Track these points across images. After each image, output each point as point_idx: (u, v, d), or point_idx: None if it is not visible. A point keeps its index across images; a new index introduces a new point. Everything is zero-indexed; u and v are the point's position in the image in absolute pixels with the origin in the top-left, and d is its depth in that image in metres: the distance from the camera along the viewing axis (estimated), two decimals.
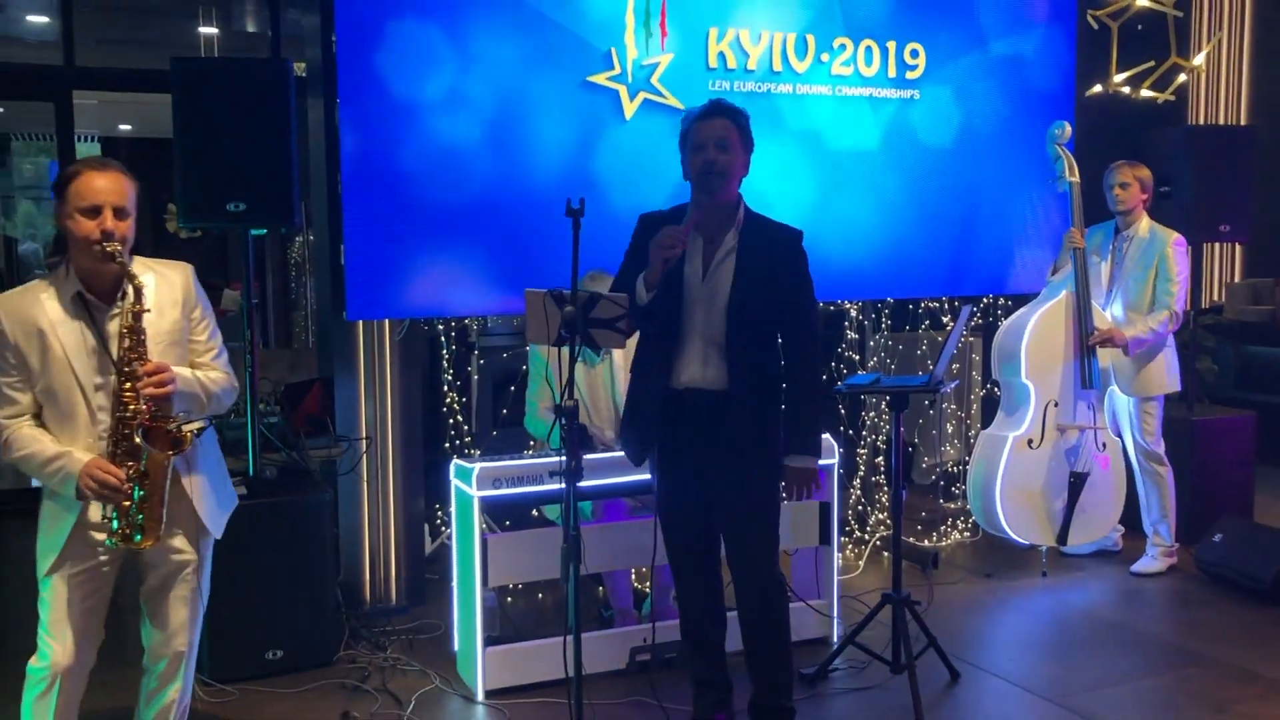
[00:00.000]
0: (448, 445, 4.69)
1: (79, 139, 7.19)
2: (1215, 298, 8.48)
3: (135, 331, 2.62)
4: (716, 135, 3.10)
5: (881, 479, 5.50)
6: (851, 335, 5.43)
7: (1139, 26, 6.88)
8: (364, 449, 4.46)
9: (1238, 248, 8.47)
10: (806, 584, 4.15)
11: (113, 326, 2.66)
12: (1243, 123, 8.26)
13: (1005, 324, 5.04)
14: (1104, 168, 4.95)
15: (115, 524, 2.61)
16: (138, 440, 2.58)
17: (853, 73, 4.93)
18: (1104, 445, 4.93)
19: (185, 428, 2.63)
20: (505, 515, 4.35)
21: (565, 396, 2.78)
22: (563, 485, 2.82)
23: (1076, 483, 4.84)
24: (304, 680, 3.82)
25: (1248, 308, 7.90)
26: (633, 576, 4.39)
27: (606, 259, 4.01)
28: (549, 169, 4.44)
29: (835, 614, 4.18)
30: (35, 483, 2.77)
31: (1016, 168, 5.35)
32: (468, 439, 4.79)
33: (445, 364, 4.70)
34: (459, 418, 4.75)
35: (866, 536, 5.31)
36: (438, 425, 4.79)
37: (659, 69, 4.56)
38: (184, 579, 2.82)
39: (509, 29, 4.33)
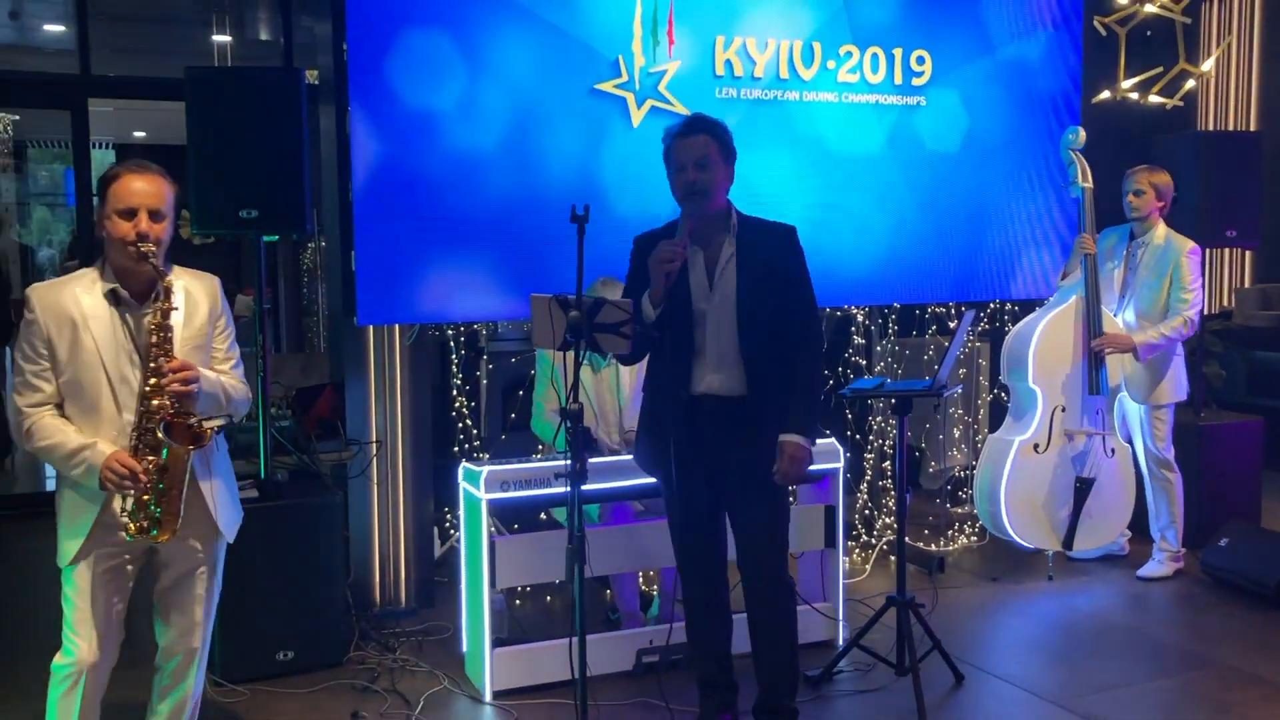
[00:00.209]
0: (457, 449, 4.73)
1: (94, 146, 7.28)
2: (1225, 303, 8.48)
3: (163, 329, 2.68)
4: (696, 155, 3.15)
5: (888, 483, 5.52)
6: (858, 340, 5.46)
7: (1148, 32, 6.91)
8: (374, 452, 4.51)
9: (1248, 253, 8.47)
10: (812, 587, 4.18)
11: (143, 325, 2.72)
12: (1253, 128, 8.26)
13: (1015, 329, 5.06)
14: (1111, 174, 4.97)
15: (134, 516, 2.66)
16: (160, 434, 2.63)
17: (859, 80, 4.96)
18: (1112, 451, 4.94)
19: (205, 424, 2.69)
20: (514, 518, 4.39)
21: (570, 400, 2.82)
22: (569, 488, 2.86)
23: (1083, 488, 4.85)
24: (314, 680, 3.86)
25: (1257, 313, 7.90)
26: (639, 579, 4.42)
27: (614, 265, 4.06)
28: (557, 176, 4.48)
29: (841, 617, 4.20)
30: (50, 486, 2.82)
31: (1023, 173, 5.38)
32: (477, 443, 4.83)
33: (455, 368, 4.74)
34: (468, 422, 4.79)
35: (873, 541, 5.33)
36: (447, 429, 4.83)
37: (666, 76, 4.61)
38: (197, 579, 2.87)
39: (518, 37, 4.38)
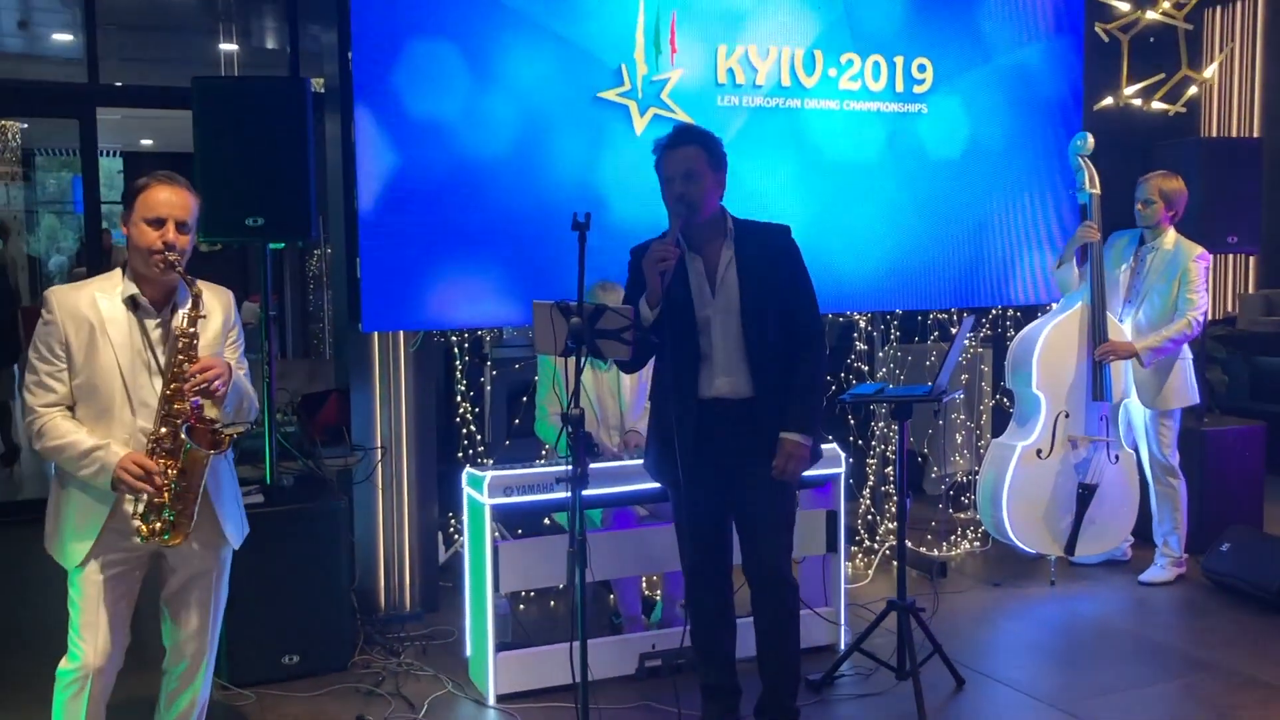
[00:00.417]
0: (461, 455, 4.76)
1: (101, 153, 7.33)
2: (1229, 309, 8.50)
3: (188, 335, 2.72)
4: (684, 167, 3.18)
5: (890, 488, 5.54)
6: (860, 346, 5.49)
7: (1150, 39, 6.92)
8: (379, 458, 4.54)
9: (1251, 259, 8.49)
10: (814, 592, 4.20)
11: (156, 334, 2.77)
12: (1256, 134, 8.29)
13: (1019, 334, 5.08)
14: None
15: (147, 519, 2.68)
16: (182, 437, 2.66)
17: (860, 87, 4.99)
18: (1117, 458, 4.95)
19: (225, 430, 2.73)
20: (518, 523, 4.42)
21: (572, 405, 2.86)
22: (571, 493, 2.89)
23: (1085, 494, 4.87)
24: (320, 684, 3.89)
25: (1261, 319, 7.91)
26: (642, 584, 4.45)
27: (616, 272, 4.09)
28: (561, 183, 4.51)
29: (843, 621, 4.22)
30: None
31: (1025, 180, 5.40)
32: (481, 448, 4.86)
33: (459, 374, 4.77)
34: (472, 427, 4.82)
35: (876, 546, 5.35)
36: (451, 435, 4.86)
37: (669, 85, 4.64)
38: (205, 584, 2.90)
39: (522, 46, 4.42)
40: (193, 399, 2.68)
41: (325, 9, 5.04)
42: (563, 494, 3.71)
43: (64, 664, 2.80)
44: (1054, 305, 5.32)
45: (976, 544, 5.54)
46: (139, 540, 2.71)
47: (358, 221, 4.25)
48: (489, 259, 4.43)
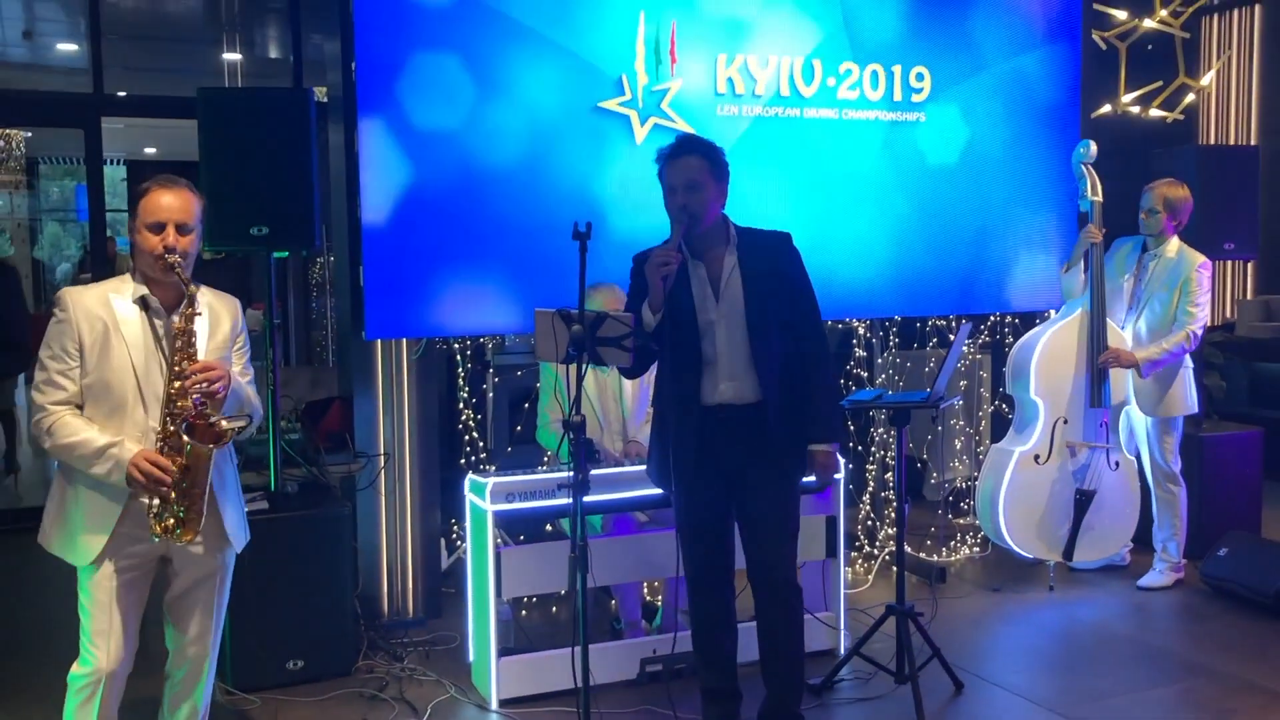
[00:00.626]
0: (463, 461, 4.79)
1: (105, 162, 7.37)
2: (1228, 315, 8.53)
3: (186, 334, 2.76)
4: (686, 178, 3.22)
5: (890, 494, 5.57)
6: (860, 353, 5.52)
7: (1148, 47, 6.97)
8: (382, 465, 4.58)
9: (1249, 265, 8.52)
10: (814, 597, 4.22)
11: (170, 331, 2.81)
12: (1253, 142, 8.33)
13: (1020, 340, 5.11)
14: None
15: (160, 517, 2.71)
16: (182, 435, 2.70)
17: (859, 96, 5.03)
18: (1117, 464, 4.98)
19: (225, 424, 2.76)
20: (520, 529, 4.45)
21: (573, 411, 2.89)
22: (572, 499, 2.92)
23: (1083, 500, 4.89)
24: (324, 689, 3.92)
25: (1259, 324, 7.94)
26: (643, 589, 4.48)
27: (616, 280, 4.14)
28: (562, 193, 4.55)
29: (843, 626, 4.25)
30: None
31: (1023, 188, 5.43)
32: (483, 455, 4.89)
33: (461, 382, 4.81)
34: (475, 434, 4.85)
35: (875, 551, 5.38)
36: (454, 442, 4.89)
37: (669, 94, 4.68)
38: (208, 587, 2.93)
39: (524, 57, 4.46)
40: (195, 397, 2.72)
41: (327, 19, 5.08)
42: (564, 500, 3.75)
43: (76, 669, 2.82)
44: (1052, 312, 5.35)
45: (976, 549, 5.56)
46: (154, 539, 2.74)
47: (361, 230, 4.29)
48: (491, 267, 4.47)
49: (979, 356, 6.01)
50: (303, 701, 3.85)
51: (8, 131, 10.50)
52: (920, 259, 5.21)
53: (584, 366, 2.98)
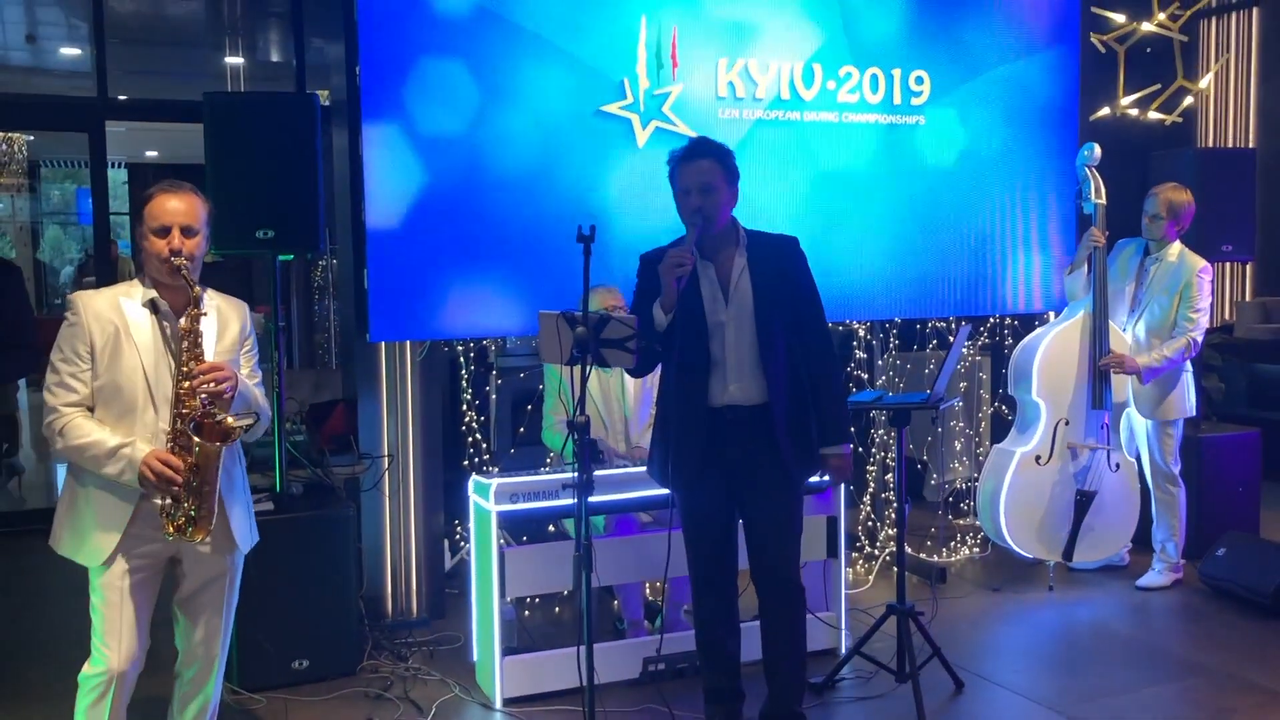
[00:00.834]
0: (467, 463, 4.82)
1: (109, 165, 7.40)
2: (1226, 316, 8.55)
3: (193, 334, 2.79)
4: (700, 180, 3.24)
5: (891, 495, 5.59)
6: (860, 355, 5.55)
7: (1146, 50, 7.00)
8: (386, 466, 4.60)
9: (1248, 267, 8.55)
10: (815, 597, 4.24)
11: (178, 332, 2.83)
12: (1251, 145, 8.35)
13: (1022, 341, 5.14)
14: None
15: (172, 516, 2.74)
16: (190, 434, 2.72)
17: (859, 100, 5.06)
18: (1117, 466, 5.01)
19: (232, 421, 2.79)
20: (523, 530, 4.48)
21: (577, 413, 2.92)
22: (576, 500, 2.95)
23: (1083, 501, 4.92)
24: (329, 689, 3.95)
25: (1258, 326, 7.97)
26: (646, 590, 4.50)
27: (619, 282, 4.18)
28: (565, 196, 4.58)
29: (844, 625, 4.28)
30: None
31: (1022, 190, 5.46)
32: (487, 456, 4.92)
33: (465, 384, 4.83)
34: (478, 436, 4.88)
35: (876, 552, 5.41)
36: (457, 443, 4.92)
37: (670, 98, 4.71)
38: (216, 588, 2.96)
39: (526, 60, 4.49)
40: (202, 397, 2.75)
41: (329, 23, 5.11)
42: (568, 501, 3.78)
43: (87, 669, 2.84)
44: (1051, 315, 5.38)
45: (976, 549, 5.59)
46: (167, 538, 2.76)
47: (365, 233, 4.32)
48: (495, 270, 4.50)
49: (979, 358, 6.04)
50: (308, 701, 3.88)
51: (9, 135, 10.54)
52: (920, 261, 5.25)
53: (588, 368, 3.00)
